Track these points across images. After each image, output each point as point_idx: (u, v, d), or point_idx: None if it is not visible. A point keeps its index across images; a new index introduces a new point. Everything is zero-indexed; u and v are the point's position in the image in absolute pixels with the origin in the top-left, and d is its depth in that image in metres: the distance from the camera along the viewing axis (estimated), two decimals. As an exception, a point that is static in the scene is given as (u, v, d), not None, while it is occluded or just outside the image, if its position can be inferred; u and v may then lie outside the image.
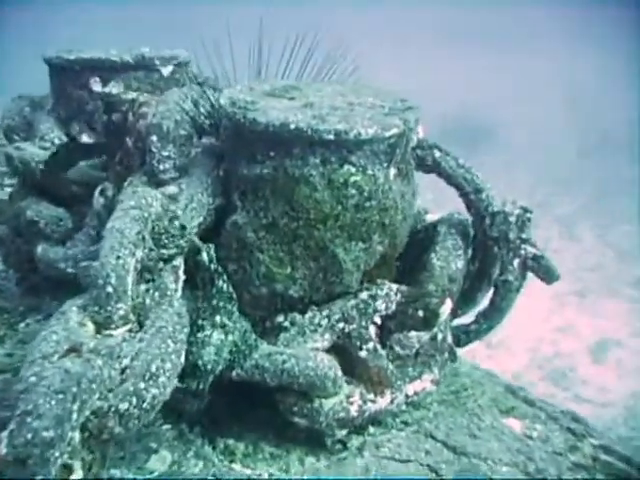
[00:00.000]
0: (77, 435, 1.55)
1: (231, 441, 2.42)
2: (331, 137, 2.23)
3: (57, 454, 1.43)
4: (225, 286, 2.28)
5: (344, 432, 2.39)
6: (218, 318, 2.27)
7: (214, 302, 2.29)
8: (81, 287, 2.27)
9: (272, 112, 2.31)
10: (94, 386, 1.63)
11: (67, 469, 1.49)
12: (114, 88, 2.87)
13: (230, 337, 2.27)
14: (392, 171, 2.40)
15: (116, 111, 2.85)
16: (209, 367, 2.22)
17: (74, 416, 1.52)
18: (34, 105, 3.78)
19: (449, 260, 2.48)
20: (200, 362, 2.20)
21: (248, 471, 2.28)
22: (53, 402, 1.50)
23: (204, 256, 2.30)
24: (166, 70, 3.55)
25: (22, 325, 3.25)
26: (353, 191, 2.31)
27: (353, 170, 2.30)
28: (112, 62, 3.39)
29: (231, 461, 2.33)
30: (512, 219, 2.49)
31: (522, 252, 2.50)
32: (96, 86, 3.47)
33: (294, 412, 2.34)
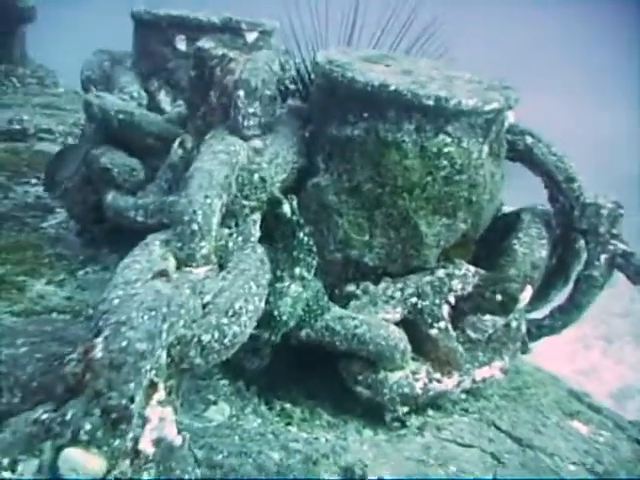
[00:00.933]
0: (164, 355, 1.51)
1: (288, 405, 2.36)
2: (430, 103, 2.17)
3: (148, 367, 1.39)
4: (306, 238, 2.23)
5: (405, 409, 2.32)
6: (297, 270, 2.21)
7: (295, 253, 2.23)
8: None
9: (370, 73, 2.27)
10: (182, 311, 1.59)
11: (153, 387, 1.45)
12: (206, 43, 2.83)
13: (309, 290, 2.21)
14: (485, 148, 2.33)
15: (205, 66, 2.81)
16: (284, 318, 2.16)
17: (164, 335, 1.48)
18: (114, 60, 3.81)
19: (532, 247, 2.40)
20: (276, 312, 2.14)
21: (305, 434, 2.22)
22: (146, 317, 1.46)
23: (286, 208, 2.24)
24: (251, 36, 3.55)
25: (81, 272, 3.25)
26: (445, 162, 2.25)
27: (448, 140, 2.24)
28: (199, 22, 3.40)
29: (288, 423, 2.27)
30: (604, 212, 2.40)
31: (611, 248, 2.41)
32: (181, 44, 3.48)
33: (358, 381, 2.28)
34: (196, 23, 3.41)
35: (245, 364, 2.32)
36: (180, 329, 1.60)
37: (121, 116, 3.15)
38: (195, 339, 1.63)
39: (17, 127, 5.40)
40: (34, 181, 4.45)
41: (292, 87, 2.96)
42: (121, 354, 1.36)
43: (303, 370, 2.47)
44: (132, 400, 1.34)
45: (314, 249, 2.21)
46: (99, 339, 1.40)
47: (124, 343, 1.38)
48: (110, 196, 3.08)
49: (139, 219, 2.86)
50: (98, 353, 1.35)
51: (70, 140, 5.59)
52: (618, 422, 2.55)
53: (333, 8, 3.12)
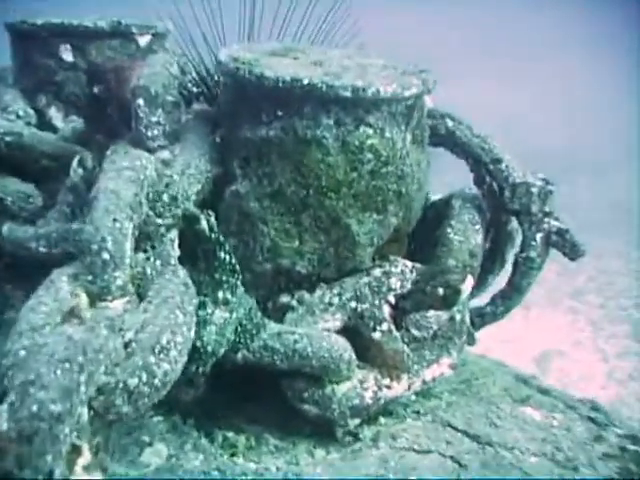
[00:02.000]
0: (85, 412, 1.30)
1: (230, 434, 2.18)
2: (347, 94, 2.02)
3: (67, 430, 1.17)
4: (228, 258, 2.03)
5: (357, 422, 2.18)
6: (220, 294, 2.01)
7: (216, 276, 2.03)
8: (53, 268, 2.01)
9: (280, 68, 2.10)
10: (101, 356, 1.38)
11: (75, 451, 1.24)
12: (97, 57, 2.61)
13: (235, 314, 2.01)
14: (409, 136, 2.22)
15: (99, 80, 2.58)
16: (210, 349, 1.96)
17: (82, 389, 1.27)
18: (-6, 78, 3.46)
19: (467, 235, 2.31)
20: (200, 343, 1.93)
21: (253, 465, 2.04)
22: (58, 372, 1.24)
23: (204, 224, 2.04)
24: (143, 40, 3.28)
25: (-19, 315, 2.93)
26: (369, 155, 2.11)
27: (370, 132, 2.11)
28: (85, 28, 3.11)
29: (233, 454, 2.08)
30: (534, 190, 2.33)
31: (545, 226, 2.34)
32: (67, 54, 3.18)
33: (304, 399, 2.12)
34: (82, 30, 3.12)
35: (179, 396, 2.11)
36: (101, 377, 1.38)
37: (8, 138, 2.84)
38: (120, 385, 1.43)
39: None
40: None
41: (195, 90, 2.76)
42: (32, 421, 1.14)
43: (243, 394, 2.29)
44: (51, 475, 1.12)
45: (237, 268, 2.01)
46: (3, 407, 1.17)
47: (34, 407, 1.16)
48: (6, 227, 2.76)
49: (42, 250, 2.57)
50: (2, 424, 1.13)
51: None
52: (568, 402, 2.50)
53: (229, 3, 2.94)
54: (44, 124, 3.27)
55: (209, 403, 2.23)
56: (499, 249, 2.53)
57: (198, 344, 1.93)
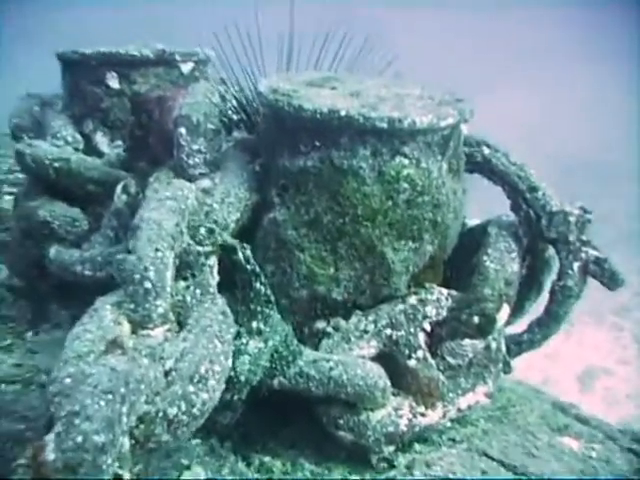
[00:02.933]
0: (127, 441, 1.35)
1: (267, 458, 2.21)
2: (384, 125, 2.06)
3: (109, 461, 1.23)
4: (263, 288, 2.07)
5: (391, 448, 2.19)
6: (255, 324, 2.05)
7: (251, 306, 2.07)
8: (99, 292, 2.08)
9: (317, 99, 2.15)
10: (142, 387, 1.43)
11: (117, 479, 1.29)
12: (142, 87, 2.69)
13: (270, 342, 2.05)
14: (445, 166, 2.23)
15: (143, 110, 2.66)
16: (243, 378, 1.99)
17: (124, 419, 1.32)
18: (43, 104, 3.60)
19: (504, 263, 2.31)
20: (234, 373, 1.97)
21: (288, 491, 2.07)
22: (102, 402, 1.30)
23: (240, 255, 2.09)
24: (186, 67, 3.39)
25: (30, 334, 3.04)
26: (405, 185, 2.14)
27: (406, 162, 2.13)
28: (131, 57, 3.23)
29: (269, 479, 2.11)
30: (572, 219, 2.32)
31: (583, 255, 2.33)
32: (113, 82, 3.30)
33: (339, 425, 2.14)
34: (128, 58, 3.24)
35: (217, 419, 2.15)
36: (142, 406, 1.44)
37: (57, 164, 2.96)
38: (160, 414, 1.48)
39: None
40: (-30, 238, 4.19)
41: (235, 118, 2.83)
42: (77, 452, 1.20)
43: (279, 418, 2.32)
44: (95, 504, 1.18)
45: (272, 299, 2.05)
46: (50, 436, 1.23)
47: (79, 439, 1.21)
48: (53, 250, 2.88)
49: (87, 273, 2.67)
50: (50, 455, 1.19)
51: (6, 188, 5.33)
52: (608, 432, 2.47)
53: (268, 30, 3.00)
54: (91, 149, 3.40)
55: (246, 426, 2.27)
56: (536, 276, 2.52)
57: (232, 374, 1.97)
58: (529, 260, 2.54)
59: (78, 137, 3.31)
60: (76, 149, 3.25)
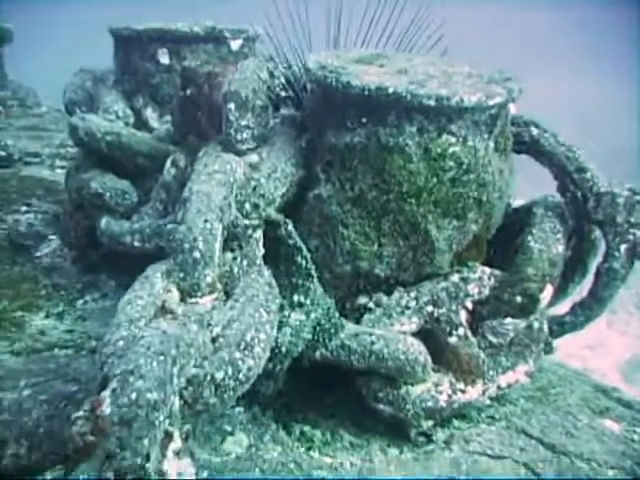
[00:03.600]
0: (177, 401, 1.41)
1: (307, 428, 2.26)
2: (431, 103, 2.06)
3: (161, 418, 1.29)
4: (304, 263, 2.10)
5: (430, 423, 2.22)
6: (296, 297, 2.09)
7: (293, 280, 2.11)
8: (147, 262, 2.14)
9: (365, 76, 2.16)
10: (192, 350, 1.49)
11: (168, 437, 1.35)
12: (191, 62, 2.73)
13: (312, 315, 2.09)
14: (491, 144, 2.23)
15: (193, 85, 2.71)
16: (284, 349, 2.04)
17: (175, 380, 1.38)
18: (96, 79, 3.69)
19: (548, 243, 2.30)
20: (276, 343, 2.00)
21: (328, 460, 2.12)
22: (154, 363, 1.36)
23: (282, 230, 2.13)
24: (235, 44, 3.43)
25: (80, 302, 3.15)
26: (451, 163, 2.15)
27: (452, 140, 2.14)
28: (182, 33, 3.28)
29: (309, 448, 2.17)
30: (620, 200, 2.30)
31: (630, 237, 2.30)
32: (163, 58, 3.36)
33: (379, 398, 2.18)
34: (179, 35, 3.29)
35: (259, 389, 2.21)
36: (191, 369, 1.50)
37: (108, 138, 3.04)
38: (208, 378, 1.53)
39: (2, 153, 5.27)
40: (24, 208, 4.33)
41: (283, 94, 2.86)
42: (131, 408, 1.26)
43: (320, 389, 2.38)
44: (148, 458, 1.24)
45: (313, 272, 2.08)
46: (106, 392, 1.30)
47: (134, 395, 1.28)
48: (104, 221, 2.97)
49: (136, 244, 2.75)
50: (106, 409, 1.25)
51: (57, 162, 5.48)
52: (651, 416, 2.45)
53: (316, 7, 3.01)
54: (141, 123, 3.47)
55: (288, 396, 2.33)
56: (581, 258, 2.50)
57: (274, 344, 2.01)
58: (575, 241, 2.52)
59: (129, 112, 3.39)
60: (127, 123, 3.34)
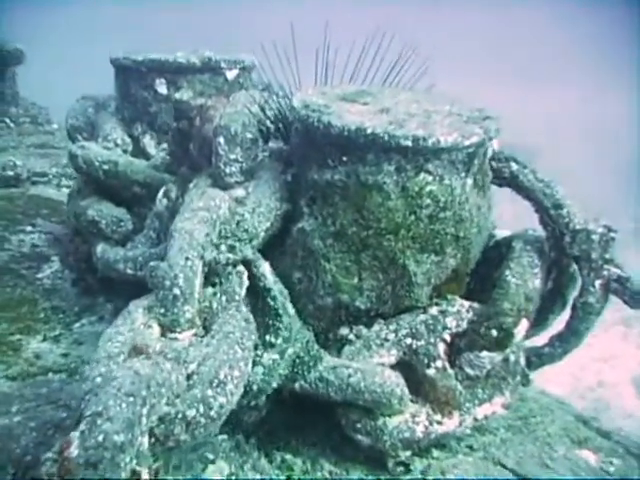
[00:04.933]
0: (146, 440, 1.48)
1: (288, 456, 2.32)
2: (408, 143, 2.13)
3: (127, 459, 1.36)
4: (273, 304, 2.14)
5: (408, 453, 2.27)
6: (268, 337, 2.14)
7: (265, 319, 2.18)
8: (140, 289, 2.22)
9: (347, 116, 2.23)
10: (163, 390, 1.56)
11: (135, 475, 1.42)
12: (185, 94, 2.82)
13: (289, 351, 2.15)
14: (469, 182, 2.29)
15: (185, 117, 2.80)
16: (255, 387, 2.10)
17: (144, 420, 1.45)
18: (98, 105, 3.80)
19: (525, 278, 2.35)
20: (248, 381, 2.05)
21: (307, 489, 2.18)
22: (124, 405, 1.43)
23: (255, 270, 2.20)
24: (231, 74, 3.53)
25: (77, 325, 3.24)
26: (428, 201, 2.21)
27: (429, 179, 2.20)
28: (179, 64, 3.39)
29: (289, 477, 2.23)
30: (595, 237, 2.35)
31: (605, 273, 2.35)
32: (161, 88, 3.46)
33: (357, 429, 2.24)
34: (176, 65, 3.39)
35: (242, 417, 2.28)
36: (163, 408, 1.57)
37: (105, 166, 3.15)
38: (180, 416, 1.60)
39: (10, 173, 5.40)
40: (29, 229, 4.45)
41: (272, 127, 2.93)
42: (97, 450, 1.33)
43: (302, 417, 2.44)
44: (112, 498, 1.31)
45: (282, 313, 2.14)
46: (75, 433, 1.37)
47: (100, 437, 1.35)
48: (99, 248, 3.07)
49: (129, 271, 2.84)
50: (74, 451, 1.32)
51: (64, 181, 5.61)
52: (629, 448, 2.49)
53: (309, 40, 3.08)
54: (139, 150, 3.58)
55: (271, 424, 2.39)
56: (561, 291, 2.55)
57: (247, 382, 2.05)
58: (555, 274, 2.57)
59: (127, 139, 3.50)
60: (125, 151, 3.44)
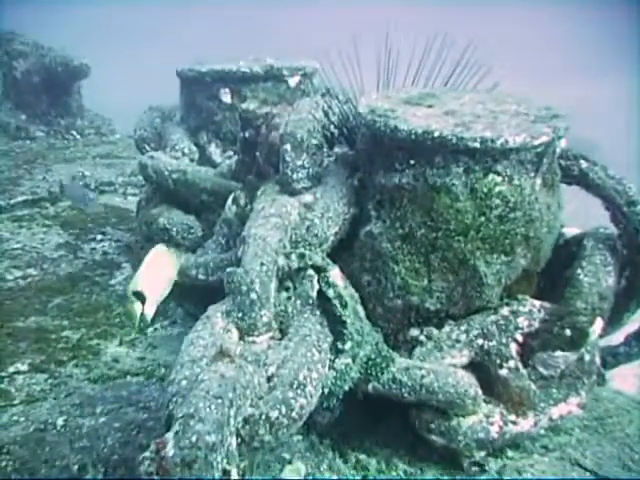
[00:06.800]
0: (234, 441, 1.54)
1: (363, 456, 2.36)
2: (477, 145, 2.14)
3: (219, 458, 1.42)
4: (338, 311, 2.13)
5: (482, 454, 2.28)
6: (339, 344, 2.14)
7: (337, 326, 2.20)
8: (210, 293, 2.29)
9: (413, 119, 2.25)
10: (247, 392, 1.61)
11: (226, 474, 1.48)
12: (251, 104, 2.89)
13: (361, 354, 2.17)
14: (538, 181, 2.28)
15: (251, 126, 2.87)
16: (328, 390, 2.10)
17: (232, 421, 1.51)
18: (164, 116, 3.92)
19: (598, 276, 2.32)
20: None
21: (383, 489, 2.21)
22: (213, 407, 1.49)
23: (324, 278, 2.21)
24: (293, 81, 3.59)
25: (150, 330, 3.34)
26: (497, 201, 2.21)
27: (498, 179, 2.20)
28: (243, 73, 3.47)
29: (364, 477, 2.26)
30: (670, 234, 2.30)
31: (681, 270, 2.31)
32: (225, 97, 3.56)
33: (431, 429, 2.25)
34: (239, 75, 3.48)
35: (317, 418, 2.33)
36: (247, 409, 1.62)
37: (175, 175, 3.25)
38: (263, 417, 1.66)
39: (80, 183, 5.60)
40: (99, 237, 4.62)
41: (336, 132, 2.97)
42: (192, 450, 1.39)
43: (376, 417, 2.46)
44: (207, 495, 1.37)
45: (351, 318, 2.14)
46: (170, 434, 1.43)
47: (194, 438, 1.41)
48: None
49: (200, 277, 2.92)
50: (170, 451, 1.39)
51: (129, 190, 5.78)
52: None
53: (371, 42, 3.11)
54: (205, 159, 3.68)
55: (345, 425, 2.43)
56: (636, 288, 2.51)
57: None
58: (629, 272, 2.53)
59: (193, 148, 3.60)
60: (192, 160, 3.55)
